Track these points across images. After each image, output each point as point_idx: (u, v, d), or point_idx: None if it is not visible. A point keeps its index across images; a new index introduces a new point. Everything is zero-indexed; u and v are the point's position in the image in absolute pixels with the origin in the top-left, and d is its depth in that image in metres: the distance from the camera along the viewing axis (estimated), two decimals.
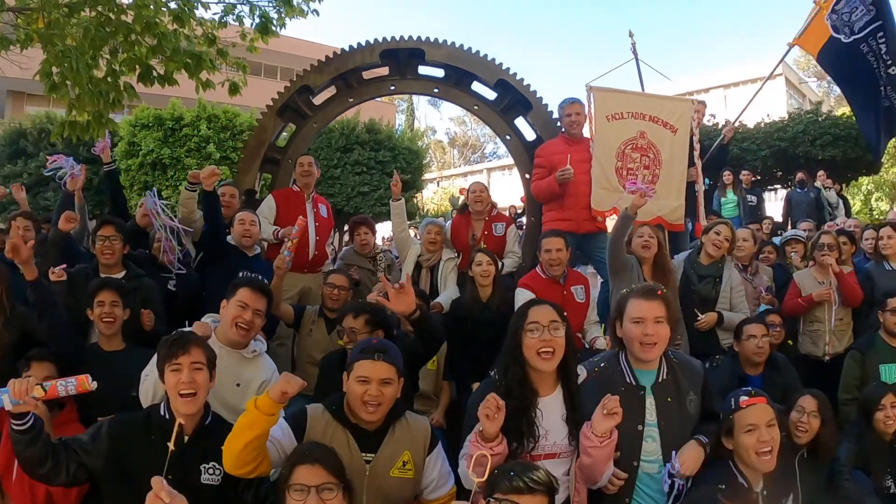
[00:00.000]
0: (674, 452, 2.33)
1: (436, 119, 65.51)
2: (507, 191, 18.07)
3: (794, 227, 8.05)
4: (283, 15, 5.39)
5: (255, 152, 5.77)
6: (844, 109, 12.96)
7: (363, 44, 5.75)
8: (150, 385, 2.66)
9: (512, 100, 5.73)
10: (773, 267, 5.30)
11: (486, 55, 5.70)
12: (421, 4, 77.17)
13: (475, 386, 2.78)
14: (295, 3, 5.37)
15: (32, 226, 4.31)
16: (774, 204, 12.70)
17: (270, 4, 5.36)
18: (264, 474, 2.21)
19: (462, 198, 7.37)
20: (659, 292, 2.46)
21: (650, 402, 2.42)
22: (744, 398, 2.37)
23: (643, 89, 5.98)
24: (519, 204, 11.36)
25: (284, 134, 6.68)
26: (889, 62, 5.71)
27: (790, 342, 4.56)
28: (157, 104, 11.25)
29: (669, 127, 5.18)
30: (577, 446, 2.31)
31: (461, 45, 5.73)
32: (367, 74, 5.95)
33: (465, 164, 40.16)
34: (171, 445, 1.84)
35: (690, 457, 2.32)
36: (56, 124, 10.03)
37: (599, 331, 4.17)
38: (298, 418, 2.27)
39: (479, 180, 6.08)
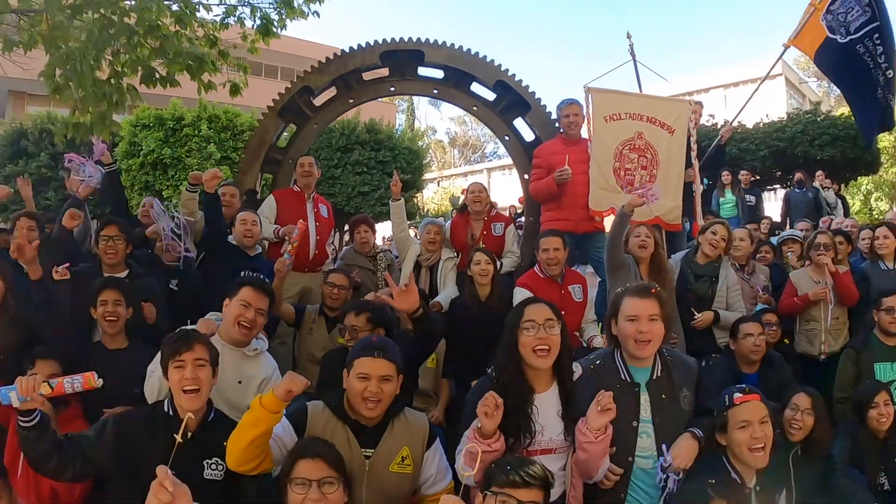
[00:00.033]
0: (664, 447, 2.38)
1: (436, 119, 65.72)
2: (508, 191, 18.13)
3: (792, 227, 8.07)
4: (283, 16, 5.43)
5: (255, 153, 5.81)
6: (843, 109, 12.99)
7: (363, 45, 5.79)
8: (154, 381, 2.71)
9: (511, 100, 5.77)
10: (769, 266, 5.34)
11: (485, 56, 5.75)
12: (421, 5, 77.28)
13: (474, 384, 2.82)
14: (295, 4, 5.41)
15: (36, 225, 4.35)
16: (773, 204, 12.71)
17: (271, 6, 5.41)
18: (267, 471, 2.26)
19: (462, 198, 7.41)
20: (653, 290, 2.51)
21: (645, 398, 2.47)
22: (738, 395, 2.42)
23: (641, 90, 6.01)
24: (518, 204, 11.40)
25: (285, 134, 6.72)
26: (885, 65, 5.73)
27: (786, 341, 4.60)
28: (157, 104, 11.26)
29: (667, 128, 5.20)
30: (573, 442, 2.35)
31: (460, 47, 5.77)
32: (367, 75, 5.98)
33: (466, 163, 40.16)
34: (178, 437, 1.88)
35: (685, 449, 2.37)
36: (57, 124, 10.10)
37: (597, 329, 4.22)
38: (299, 415, 2.31)
39: (479, 180, 6.14)
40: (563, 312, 2.47)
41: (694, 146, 5.46)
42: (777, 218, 9.66)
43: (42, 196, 12.04)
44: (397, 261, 5.34)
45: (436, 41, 5.74)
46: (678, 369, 2.54)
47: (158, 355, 2.51)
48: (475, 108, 5.98)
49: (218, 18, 5.42)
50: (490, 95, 5.89)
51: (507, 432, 2.24)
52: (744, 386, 2.54)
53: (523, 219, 6.57)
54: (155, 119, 11.37)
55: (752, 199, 9.25)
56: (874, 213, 18.09)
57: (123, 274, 3.80)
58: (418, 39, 5.74)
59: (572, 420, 2.35)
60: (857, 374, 3.91)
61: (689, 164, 5.44)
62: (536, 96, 5.71)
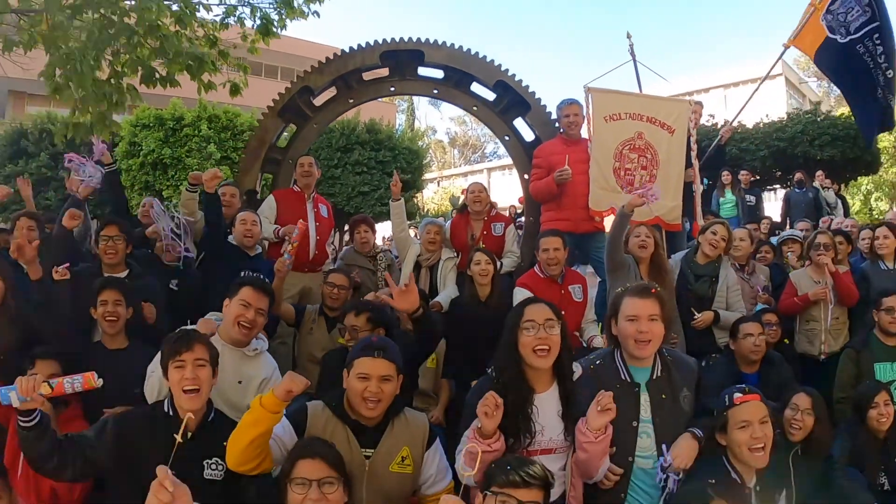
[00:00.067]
0: (664, 447, 2.38)
1: (436, 119, 65.71)
2: (508, 191, 18.11)
3: (792, 227, 8.07)
4: (283, 16, 5.44)
5: (255, 153, 5.81)
6: (843, 109, 12.99)
7: (363, 45, 5.79)
8: (155, 381, 2.71)
9: (511, 101, 5.77)
10: (769, 266, 5.34)
11: (485, 56, 5.75)
12: (421, 5, 77.29)
13: (474, 384, 2.82)
14: (295, 4, 5.42)
15: (36, 225, 4.35)
16: (773, 204, 12.72)
17: (271, 6, 5.41)
18: (267, 471, 2.26)
19: (462, 198, 7.42)
20: (653, 290, 2.51)
21: (645, 398, 2.47)
22: (738, 395, 2.42)
23: (641, 90, 6.01)
24: (518, 204, 11.40)
25: (285, 134, 6.72)
26: (885, 65, 5.73)
27: (786, 341, 4.60)
28: (157, 104, 11.26)
29: (667, 128, 5.21)
30: (573, 442, 2.35)
31: (460, 47, 5.77)
32: (367, 75, 5.98)
33: (466, 163, 40.16)
34: (178, 437, 1.88)
35: (685, 449, 2.37)
36: (57, 124, 10.09)
37: (597, 329, 4.22)
38: (299, 415, 2.31)
39: (480, 180, 6.13)
40: (563, 312, 2.47)
41: (694, 146, 5.46)
42: (777, 218, 9.66)
43: (42, 196, 12.05)
44: (397, 261, 5.34)
45: (436, 41, 5.74)
46: (678, 369, 2.54)
47: (158, 355, 2.51)
48: (475, 108, 5.98)
49: (218, 18, 5.44)
50: (490, 95, 5.89)
51: (507, 432, 2.24)
52: (744, 386, 2.54)
53: (523, 219, 6.57)
54: (155, 119, 11.37)
55: (752, 199, 9.25)
56: (874, 213, 18.09)
57: (123, 274, 3.80)
58: (418, 39, 5.75)
59: (572, 420, 2.35)
60: (857, 374, 3.91)
61: (689, 164, 5.45)
62: (536, 96, 5.71)
